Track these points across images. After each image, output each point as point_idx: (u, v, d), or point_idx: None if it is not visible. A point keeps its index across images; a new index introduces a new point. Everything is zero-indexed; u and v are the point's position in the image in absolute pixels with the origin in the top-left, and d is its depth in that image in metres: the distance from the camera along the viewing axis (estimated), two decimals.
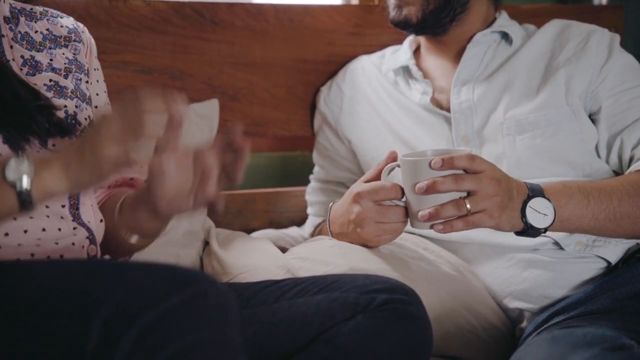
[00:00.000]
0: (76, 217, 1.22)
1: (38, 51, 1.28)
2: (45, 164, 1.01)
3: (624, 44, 1.61)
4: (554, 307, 1.40)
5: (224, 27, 1.77)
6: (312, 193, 1.81)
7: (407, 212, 1.34)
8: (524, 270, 1.45)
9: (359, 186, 1.39)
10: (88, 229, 1.23)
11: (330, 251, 1.42)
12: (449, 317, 1.41)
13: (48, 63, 1.28)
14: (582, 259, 1.43)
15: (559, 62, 1.56)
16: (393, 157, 1.38)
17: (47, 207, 1.19)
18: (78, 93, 1.28)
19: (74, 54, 1.32)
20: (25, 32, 1.28)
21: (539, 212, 1.30)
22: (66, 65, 1.30)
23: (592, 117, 1.54)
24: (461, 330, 1.42)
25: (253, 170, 1.99)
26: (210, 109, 1.73)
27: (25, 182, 0.99)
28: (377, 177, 1.39)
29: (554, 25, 1.63)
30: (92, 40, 1.37)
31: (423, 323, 1.21)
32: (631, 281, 1.37)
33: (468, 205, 1.25)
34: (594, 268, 1.43)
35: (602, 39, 1.57)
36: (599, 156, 1.53)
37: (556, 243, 1.43)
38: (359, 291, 1.20)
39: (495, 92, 1.58)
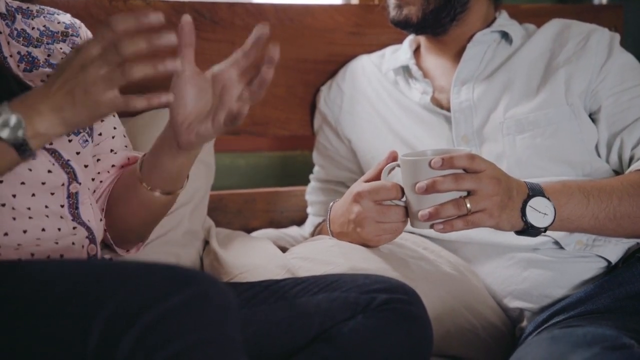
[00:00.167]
0: (75, 217, 1.22)
1: (35, 47, 1.28)
2: (32, 109, 1.00)
3: (624, 44, 1.60)
4: (554, 307, 1.40)
5: (224, 27, 1.77)
6: (312, 193, 1.81)
7: (407, 211, 1.34)
8: (524, 270, 1.45)
9: (359, 186, 1.39)
10: (88, 229, 1.23)
11: (330, 251, 1.42)
12: (449, 316, 1.41)
13: (45, 59, 1.28)
14: (582, 259, 1.43)
15: (559, 62, 1.56)
16: (393, 157, 1.38)
17: (46, 207, 1.19)
18: None
19: (71, 48, 1.32)
20: (22, 29, 1.29)
21: (539, 212, 1.30)
22: None
23: (592, 117, 1.54)
24: (461, 329, 1.42)
25: (253, 170, 1.99)
26: None
27: (20, 133, 0.99)
28: (377, 176, 1.39)
29: (554, 25, 1.63)
30: (90, 34, 1.37)
31: (423, 323, 1.21)
32: (631, 281, 1.37)
33: (468, 205, 1.25)
34: (594, 267, 1.43)
35: (602, 38, 1.57)
36: (599, 155, 1.53)
37: (556, 242, 1.43)
38: (359, 291, 1.20)
39: (495, 91, 1.58)
